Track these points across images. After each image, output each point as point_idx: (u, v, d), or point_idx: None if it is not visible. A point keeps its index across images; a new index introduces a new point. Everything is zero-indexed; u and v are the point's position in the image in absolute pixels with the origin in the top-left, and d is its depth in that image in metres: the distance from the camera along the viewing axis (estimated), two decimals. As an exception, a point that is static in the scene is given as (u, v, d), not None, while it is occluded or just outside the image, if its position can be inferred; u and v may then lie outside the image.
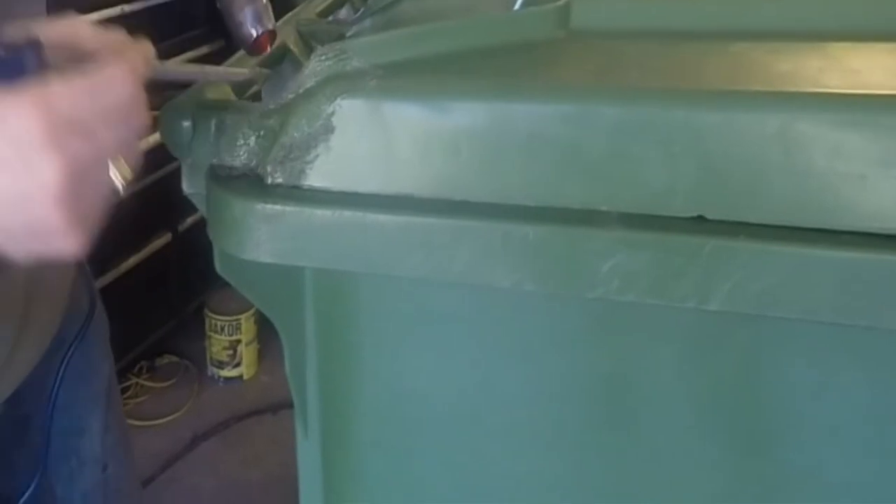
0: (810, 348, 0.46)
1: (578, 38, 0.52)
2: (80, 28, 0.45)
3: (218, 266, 0.58)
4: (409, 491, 0.61)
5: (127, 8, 1.70)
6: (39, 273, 0.75)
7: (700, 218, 0.42)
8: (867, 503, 0.49)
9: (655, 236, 0.42)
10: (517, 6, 0.55)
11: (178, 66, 0.53)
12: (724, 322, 0.47)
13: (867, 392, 0.46)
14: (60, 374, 0.81)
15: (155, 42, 0.50)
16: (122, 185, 0.45)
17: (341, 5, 0.90)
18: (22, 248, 0.45)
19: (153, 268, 1.98)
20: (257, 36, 0.58)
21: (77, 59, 0.45)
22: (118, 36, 0.46)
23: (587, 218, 0.44)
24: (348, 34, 0.72)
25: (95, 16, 1.61)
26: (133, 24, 0.60)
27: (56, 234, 0.43)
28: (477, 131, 0.48)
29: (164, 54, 0.51)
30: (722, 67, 0.46)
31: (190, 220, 1.98)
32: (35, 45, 0.42)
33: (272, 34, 0.59)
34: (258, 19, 0.58)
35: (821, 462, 0.49)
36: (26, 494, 0.80)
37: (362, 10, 0.85)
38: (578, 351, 0.52)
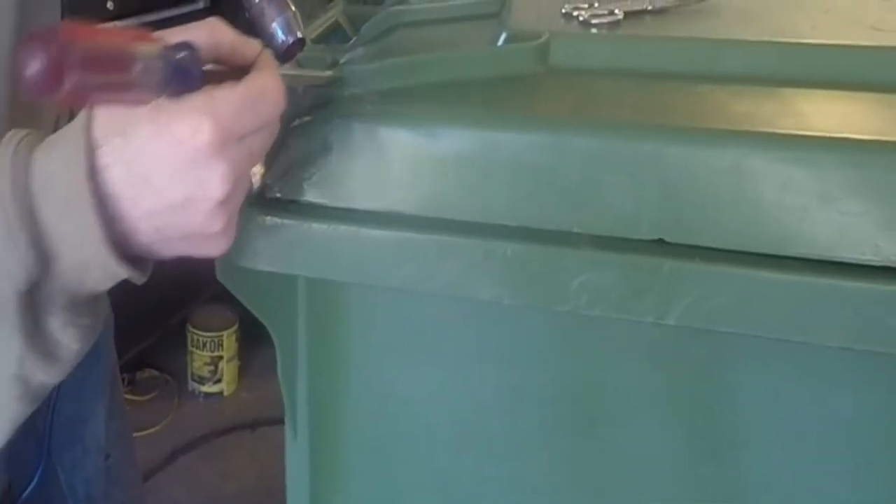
0: (759, 362, 0.51)
1: (556, 74, 0.57)
2: (220, 32, 0.45)
3: (218, 272, 0.61)
4: (392, 493, 0.64)
5: (146, 18, 1.71)
6: None
7: (661, 241, 0.46)
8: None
9: (621, 257, 0.46)
10: (500, 42, 0.60)
11: (291, 71, 0.54)
12: (682, 336, 0.51)
13: (808, 402, 0.50)
14: None
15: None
16: (256, 185, 0.48)
17: (333, 32, 0.94)
18: (173, 250, 0.47)
19: (138, 282, 2.00)
20: (289, 44, 0.62)
21: (221, 63, 0.45)
22: (253, 42, 0.47)
23: (561, 238, 0.48)
24: (342, 60, 0.77)
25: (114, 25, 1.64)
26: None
27: (210, 238, 0.46)
28: (463, 156, 0.52)
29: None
30: (686, 106, 0.51)
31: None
32: (195, 51, 0.42)
33: (302, 42, 0.62)
34: (289, 28, 0.61)
35: (771, 467, 0.53)
36: (34, 480, 0.82)
37: (355, 38, 0.89)
38: (551, 361, 0.57)
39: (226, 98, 0.42)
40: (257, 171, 0.48)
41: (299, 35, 0.62)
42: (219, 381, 2.19)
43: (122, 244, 0.45)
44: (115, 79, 0.38)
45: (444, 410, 0.60)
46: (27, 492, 0.82)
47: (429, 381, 0.60)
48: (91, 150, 0.43)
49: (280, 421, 0.68)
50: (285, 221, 0.55)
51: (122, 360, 2.08)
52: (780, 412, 0.52)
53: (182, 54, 0.42)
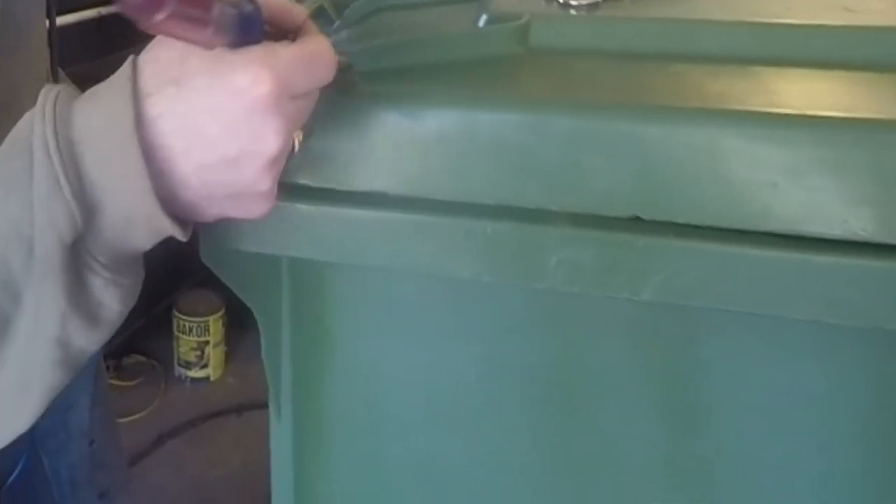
0: (732, 337, 0.52)
1: (536, 55, 0.57)
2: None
3: (202, 254, 0.62)
4: (376, 472, 0.65)
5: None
6: None
7: (636, 218, 0.47)
8: (788, 478, 0.55)
9: (597, 234, 0.47)
10: (482, 24, 0.61)
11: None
12: (657, 313, 0.52)
13: (779, 376, 0.52)
14: None
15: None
16: (297, 148, 0.48)
17: (317, 16, 0.95)
18: (214, 210, 0.46)
19: (124, 267, 2.00)
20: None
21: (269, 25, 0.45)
22: (297, 9, 0.47)
23: (540, 216, 0.49)
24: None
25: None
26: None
27: (256, 197, 0.45)
28: (445, 136, 0.53)
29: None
30: (662, 86, 0.52)
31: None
32: (258, 6, 0.42)
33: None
34: None
35: (744, 441, 0.55)
36: (19, 466, 0.83)
37: (338, 22, 0.90)
38: (531, 339, 0.58)
39: (286, 53, 0.42)
40: (298, 135, 0.48)
41: None
42: (205, 366, 2.20)
43: (168, 200, 0.44)
44: (199, 14, 0.39)
45: (427, 389, 0.61)
46: (12, 477, 0.82)
47: (412, 360, 0.61)
48: (140, 99, 0.42)
49: (266, 405, 0.68)
50: (269, 202, 0.56)
51: (109, 345, 2.09)
52: (752, 387, 0.53)
53: (250, 6, 0.42)
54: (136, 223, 0.45)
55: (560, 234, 0.48)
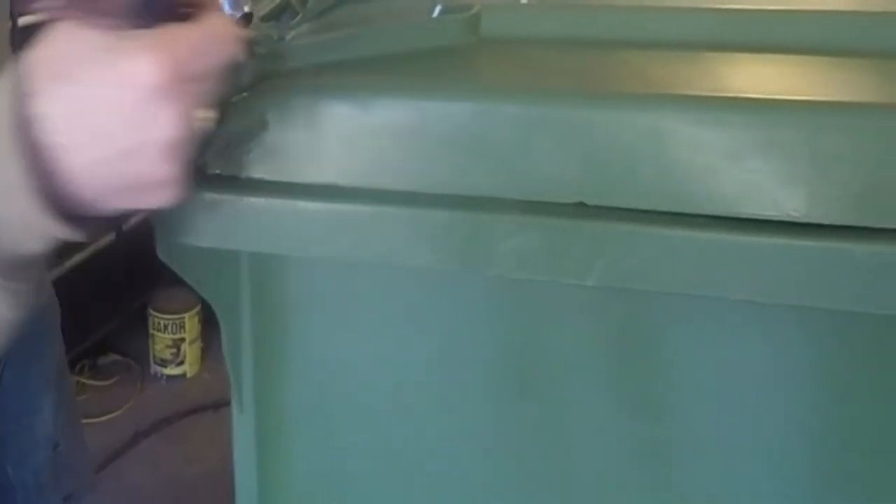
0: (680, 319, 0.53)
1: (487, 44, 0.58)
2: None
3: (159, 251, 0.62)
4: (338, 462, 0.66)
5: None
6: None
7: (581, 204, 0.48)
8: (739, 456, 0.56)
9: (544, 220, 0.48)
10: (435, 14, 0.61)
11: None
12: (607, 297, 0.53)
13: (725, 356, 0.53)
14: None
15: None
16: (206, 131, 0.45)
17: (284, 10, 0.95)
18: (116, 202, 0.44)
19: (97, 266, 1.99)
20: (236, 19, 0.61)
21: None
22: None
23: (489, 204, 0.50)
24: (288, 37, 0.78)
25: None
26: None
27: (156, 187, 0.43)
28: (396, 126, 0.53)
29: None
30: (609, 72, 0.53)
31: (134, 220, 2.00)
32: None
33: (249, 17, 0.62)
34: (236, 2, 0.61)
35: (695, 422, 0.56)
36: None
37: (301, 14, 0.90)
38: (487, 326, 0.58)
39: (179, 36, 0.40)
40: (208, 116, 0.46)
41: (246, 9, 0.62)
42: (181, 363, 2.19)
43: (63, 199, 0.42)
44: None
45: (385, 378, 0.61)
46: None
47: (370, 350, 0.61)
48: (21, 100, 0.40)
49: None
50: (225, 197, 0.56)
51: (84, 345, 2.09)
52: (699, 368, 0.54)
53: None
54: (24, 228, 0.43)
55: (509, 222, 0.49)
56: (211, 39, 0.42)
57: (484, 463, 0.63)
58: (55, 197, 0.42)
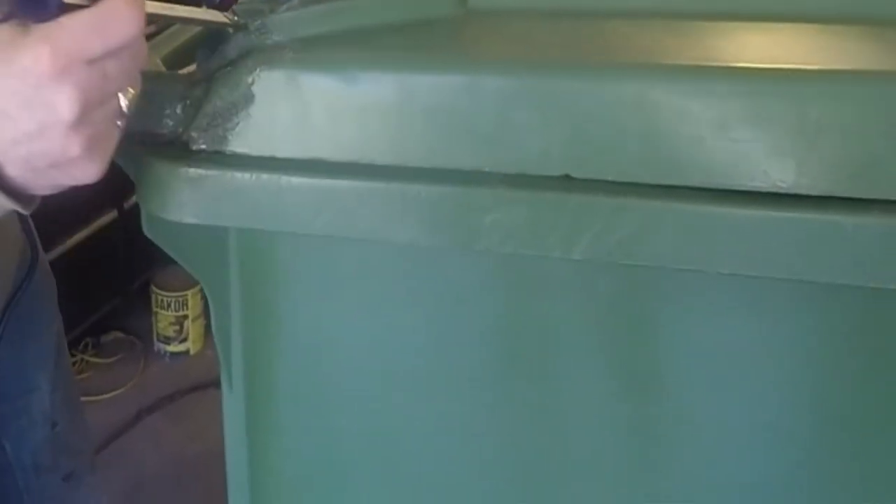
0: (666, 293, 0.52)
1: (474, 16, 0.57)
2: None
3: (145, 228, 0.62)
4: (327, 439, 0.65)
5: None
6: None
7: (567, 177, 0.47)
8: (729, 432, 0.56)
9: (530, 194, 0.47)
10: (424, -15, 0.60)
11: (169, 7, 0.53)
12: (595, 271, 0.52)
13: (713, 330, 0.52)
14: (2, 328, 0.83)
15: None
16: (129, 111, 0.49)
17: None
18: (45, 181, 0.49)
19: (99, 244, 1.99)
20: None
21: None
22: None
23: (474, 178, 0.49)
24: (279, 11, 0.76)
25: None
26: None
27: (75, 162, 0.47)
28: (381, 100, 0.52)
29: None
30: (596, 42, 0.52)
31: (135, 198, 1.99)
32: None
33: None
34: None
35: (688, 398, 0.55)
36: None
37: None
38: (477, 302, 0.58)
39: (68, 23, 0.44)
40: (130, 98, 0.49)
41: None
42: (184, 340, 2.19)
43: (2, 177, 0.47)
44: None
45: (374, 355, 0.61)
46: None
47: (358, 326, 0.61)
48: None
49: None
50: (209, 172, 0.55)
51: (87, 322, 2.09)
52: (688, 343, 0.53)
53: None
54: None
55: (493, 196, 0.48)
56: (101, 21, 0.44)
57: (474, 442, 0.62)
58: None
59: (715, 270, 0.45)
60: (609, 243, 0.46)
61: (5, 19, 0.45)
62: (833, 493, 0.55)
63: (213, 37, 0.74)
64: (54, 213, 0.61)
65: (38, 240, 0.89)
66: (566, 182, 0.47)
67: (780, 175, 0.43)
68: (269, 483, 0.68)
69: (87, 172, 0.48)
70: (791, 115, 0.43)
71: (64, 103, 0.44)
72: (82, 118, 0.45)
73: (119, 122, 0.50)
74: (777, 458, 0.56)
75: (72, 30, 0.44)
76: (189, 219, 0.56)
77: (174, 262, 0.64)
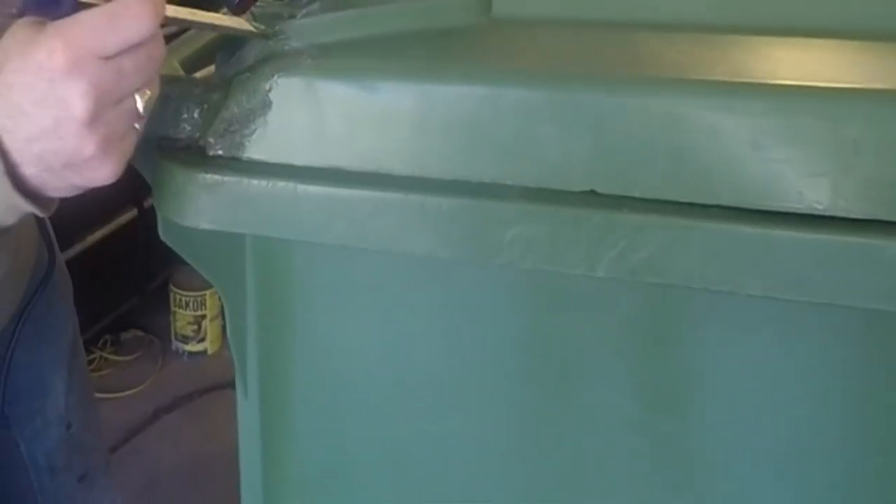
0: (694, 312, 0.51)
1: (498, 25, 0.55)
2: None
3: (161, 232, 0.61)
4: (341, 448, 0.65)
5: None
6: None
7: (592, 192, 0.46)
8: (754, 454, 0.54)
9: (552, 208, 0.46)
10: (446, -7, 0.59)
11: (191, 12, 0.52)
12: (619, 289, 0.51)
13: (742, 352, 0.50)
14: (18, 330, 0.83)
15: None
16: (145, 112, 0.48)
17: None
18: (60, 182, 0.48)
19: (119, 243, 1.99)
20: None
21: None
22: None
23: (495, 191, 0.48)
24: (299, 16, 0.75)
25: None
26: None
27: (89, 162, 0.47)
28: (400, 110, 0.51)
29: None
30: (622, 54, 0.50)
31: (147, 203, 2.00)
32: None
33: None
34: None
35: (714, 418, 0.54)
36: None
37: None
38: (494, 315, 0.56)
39: (82, 18, 0.44)
40: (146, 99, 0.48)
41: None
42: (202, 339, 2.20)
43: (18, 179, 0.48)
44: None
45: (388, 364, 0.60)
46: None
47: (373, 335, 0.60)
48: None
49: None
50: (225, 179, 0.55)
51: (107, 320, 2.09)
52: (714, 364, 0.52)
53: None
54: None
55: (515, 210, 0.47)
56: (115, 18, 0.44)
57: (487, 455, 0.61)
58: (12, 175, 0.47)
59: (745, 292, 0.43)
60: (634, 262, 0.44)
61: (20, 15, 0.45)
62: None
63: (232, 41, 0.73)
64: (75, 211, 0.61)
65: (55, 242, 0.89)
66: (591, 197, 0.46)
67: (815, 196, 0.42)
68: (282, 487, 0.68)
69: (102, 173, 0.47)
70: (828, 135, 0.42)
71: (77, 98, 0.44)
72: (96, 116, 0.45)
73: (136, 125, 0.49)
74: (804, 482, 0.54)
75: (86, 25, 0.43)
76: (205, 225, 0.56)
77: (192, 262, 0.64)
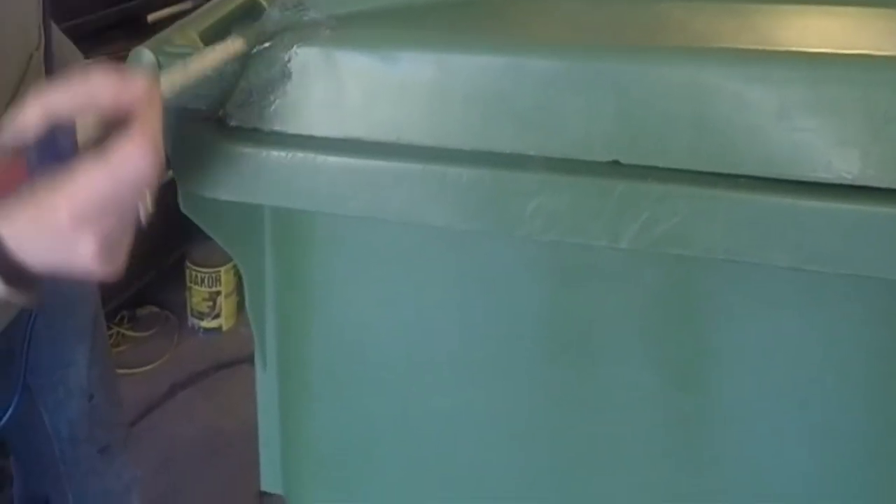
0: (717, 284, 0.50)
1: (521, -6, 0.55)
2: (95, 85, 0.46)
3: (182, 204, 0.61)
4: (359, 420, 0.65)
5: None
6: None
7: (615, 163, 0.45)
8: (775, 427, 0.53)
9: (575, 179, 0.45)
10: (466, -38, 0.58)
11: (185, 71, 0.52)
12: (644, 260, 0.50)
13: (764, 324, 0.50)
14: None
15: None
16: (145, 215, 0.50)
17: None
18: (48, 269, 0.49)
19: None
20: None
21: (102, 118, 0.48)
22: (133, 85, 0.47)
23: (516, 162, 0.48)
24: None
25: None
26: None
27: (93, 275, 0.49)
28: (420, 80, 0.51)
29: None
30: (645, 25, 0.49)
31: (171, 173, 1.99)
32: (68, 131, 0.46)
33: None
34: None
35: (735, 390, 0.53)
36: (6, 415, 0.84)
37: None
38: (515, 286, 0.56)
39: (83, 178, 0.45)
40: (146, 205, 0.49)
41: None
42: (217, 316, 2.20)
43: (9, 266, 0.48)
44: None
45: (408, 337, 0.60)
46: (3, 421, 0.84)
47: (393, 308, 0.59)
48: None
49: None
50: (245, 150, 0.54)
51: (122, 297, 2.10)
52: (739, 337, 0.51)
53: (52, 134, 0.45)
54: None
55: (536, 180, 0.46)
56: (117, 169, 0.45)
57: (508, 428, 0.61)
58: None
59: (772, 263, 0.42)
60: (657, 232, 0.44)
61: (18, 155, 0.46)
62: (885, 495, 0.53)
63: (249, 13, 0.73)
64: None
65: None
66: (614, 168, 0.45)
67: (844, 166, 0.41)
68: (302, 461, 0.68)
69: (103, 276, 0.49)
70: (858, 103, 0.41)
71: (86, 247, 0.46)
72: (104, 250, 0.47)
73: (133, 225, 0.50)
74: (826, 459, 0.54)
75: (87, 183, 0.45)
76: (224, 196, 0.56)
77: (209, 238, 0.64)
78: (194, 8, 0.67)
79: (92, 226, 0.46)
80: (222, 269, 2.15)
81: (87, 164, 0.45)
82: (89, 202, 0.45)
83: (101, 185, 0.45)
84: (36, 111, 0.46)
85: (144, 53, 0.58)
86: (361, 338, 0.61)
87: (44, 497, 1.07)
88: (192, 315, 2.21)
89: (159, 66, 0.57)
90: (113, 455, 1.08)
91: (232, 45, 0.55)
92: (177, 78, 0.52)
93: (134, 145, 0.45)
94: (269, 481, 0.69)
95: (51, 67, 0.84)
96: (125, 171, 0.45)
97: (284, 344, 0.64)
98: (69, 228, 0.46)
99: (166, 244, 2.18)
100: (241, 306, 2.25)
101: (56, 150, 0.46)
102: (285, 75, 0.55)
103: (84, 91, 0.46)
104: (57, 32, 0.89)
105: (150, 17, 1.90)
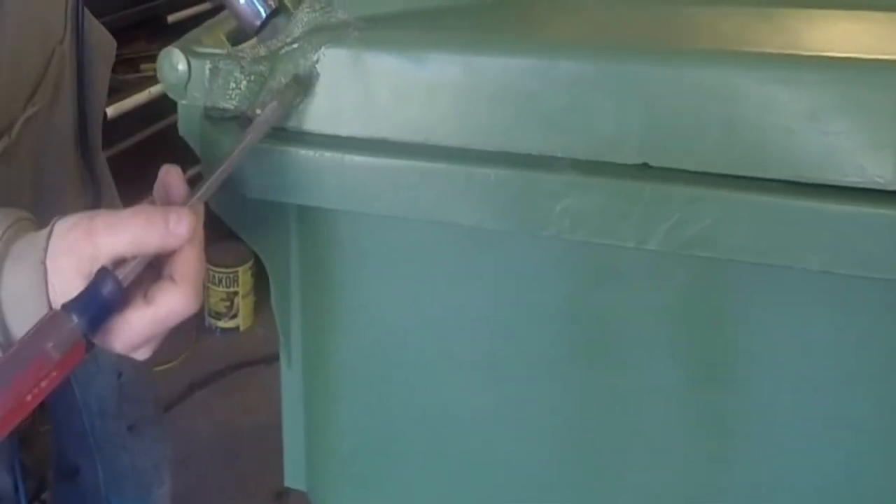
0: (744, 286, 0.50)
1: (547, -2, 0.55)
2: (142, 234, 0.49)
3: (211, 202, 0.62)
4: (384, 419, 0.65)
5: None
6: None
7: (644, 165, 0.45)
8: (801, 429, 0.53)
9: (603, 181, 0.46)
10: (495, -36, 0.58)
11: (215, 178, 0.53)
12: (670, 261, 0.50)
13: (792, 326, 0.50)
14: None
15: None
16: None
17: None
18: None
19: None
20: (266, 17, 0.60)
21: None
22: (178, 231, 0.50)
23: (544, 163, 0.48)
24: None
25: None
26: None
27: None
28: (448, 81, 0.51)
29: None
30: (674, 27, 0.49)
31: (191, 172, 2.00)
32: (111, 278, 0.48)
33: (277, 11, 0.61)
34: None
35: (761, 391, 0.53)
36: None
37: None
38: (540, 286, 0.56)
39: (133, 327, 0.49)
40: None
41: (273, 5, 0.60)
42: (235, 316, 2.21)
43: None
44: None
45: (433, 336, 0.60)
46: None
47: (418, 306, 0.60)
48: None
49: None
50: (272, 148, 0.55)
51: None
52: (767, 339, 0.51)
53: (96, 279, 0.48)
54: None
55: (565, 181, 0.47)
56: (161, 319, 0.50)
57: (533, 427, 0.61)
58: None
59: (802, 266, 0.42)
60: (687, 235, 0.44)
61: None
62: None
63: (277, 13, 0.73)
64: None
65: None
66: (643, 170, 0.45)
67: (877, 170, 0.41)
68: (325, 458, 0.68)
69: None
70: (890, 106, 0.41)
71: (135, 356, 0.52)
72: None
73: None
74: (857, 458, 0.53)
75: (135, 332, 0.49)
76: (252, 194, 0.56)
77: (226, 238, 0.64)
78: (214, 9, 0.67)
79: (144, 349, 0.52)
80: (240, 269, 2.16)
81: (134, 310, 0.49)
82: (138, 340, 0.50)
83: (149, 329, 0.50)
84: (94, 264, 0.48)
85: (174, 54, 0.59)
86: (386, 337, 0.61)
87: (75, 467, 1.09)
88: (210, 315, 2.22)
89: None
90: (143, 433, 1.09)
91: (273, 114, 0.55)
92: (211, 186, 0.53)
93: (178, 294, 0.49)
94: (293, 477, 0.70)
95: (81, 58, 0.85)
96: (169, 317, 0.49)
97: (309, 342, 0.65)
98: (122, 352, 0.51)
99: (185, 244, 2.20)
100: (258, 307, 2.27)
101: (102, 296, 0.48)
102: (313, 76, 0.55)
103: (131, 241, 0.48)
104: (92, 20, 0.89)
105: (171, 18, 1.91)
